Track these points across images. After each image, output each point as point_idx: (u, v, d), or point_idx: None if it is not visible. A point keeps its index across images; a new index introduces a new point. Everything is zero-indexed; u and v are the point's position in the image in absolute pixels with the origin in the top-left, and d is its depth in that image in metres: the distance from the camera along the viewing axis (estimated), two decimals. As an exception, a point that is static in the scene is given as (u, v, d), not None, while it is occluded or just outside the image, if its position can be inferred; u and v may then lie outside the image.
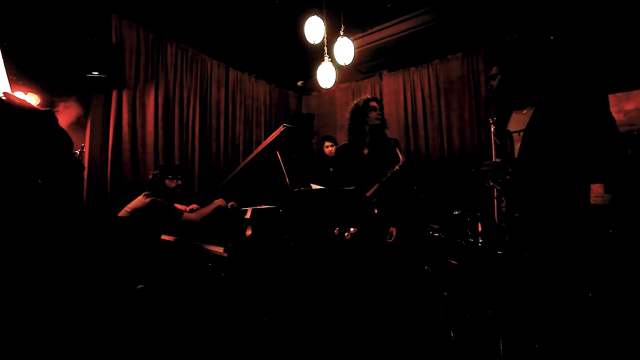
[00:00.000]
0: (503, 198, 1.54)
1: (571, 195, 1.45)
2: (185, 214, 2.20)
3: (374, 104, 2.34)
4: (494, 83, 1.68)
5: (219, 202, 2.29)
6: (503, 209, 1.55)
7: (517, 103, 1.65)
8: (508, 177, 1.49)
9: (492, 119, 1.60)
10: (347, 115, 2.42)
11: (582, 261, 1.44)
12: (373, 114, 2.32)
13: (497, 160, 1.55)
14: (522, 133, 1.57)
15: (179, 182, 2.40)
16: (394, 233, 2.16)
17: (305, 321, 1.94)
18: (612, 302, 1.57)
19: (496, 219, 1.57)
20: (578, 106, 1.51)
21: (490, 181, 1.55)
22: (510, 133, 1.60)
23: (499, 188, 1.53)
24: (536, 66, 1.64)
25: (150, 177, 2.34)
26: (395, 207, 2.20)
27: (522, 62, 1.65)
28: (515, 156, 1.56)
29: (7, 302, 1.03)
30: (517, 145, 1.58)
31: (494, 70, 1.69)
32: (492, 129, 1.58)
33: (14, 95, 1.15)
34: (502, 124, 1.64)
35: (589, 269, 1.49)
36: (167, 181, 2.33)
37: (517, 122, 1.61)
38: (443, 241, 2.17)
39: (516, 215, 1.51)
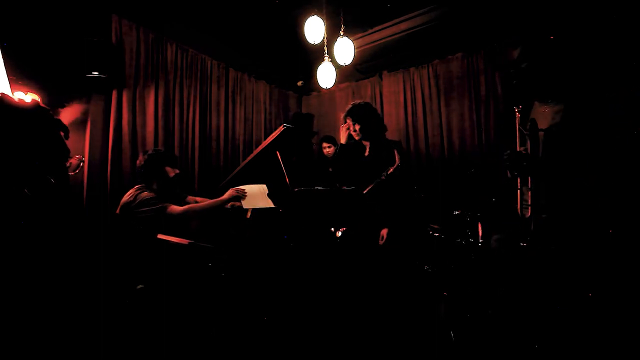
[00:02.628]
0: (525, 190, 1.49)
1: (598, 196, 1.40)
2: (170, 207, 2.03)
3: (349, 120, 2.27)
4: (522, 66, 1.56)
5: (223, 199, 2.14)
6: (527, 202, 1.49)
7: (545, 95, 1.56)
8: (525, 165, 1.44)
9: (518, 108, 1.53)
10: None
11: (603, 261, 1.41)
12: (342, 130, 2.30)
13: (521, 149, 1.49)
14: (545, 130, 1.49)
15: (177, 171, 2.23)
16: (385, 235, 2.13)
17: (305, 321, 1.94)
18: (615, 303, 1.57)
19: (519, 211, 1.52)
20: (611, 107, 1.46)
21: (509, 172, 1.51)
22: (535, 123, 1.52)
23: (519, 179, 1.48)
24: (568, 59, 1.54)
25: (141, 160, 2.14)
26: (391, 208, 2.19)
27: (555, 51, 1.55)
28: (540, 152, 1.50)
29: (7, 303, 1.03)
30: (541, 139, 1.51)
31: (515, 54, 1.59)
32: (517, 117, 1.52)
33: (9, 96, 1.14)
34: (526, 115, 1.57)
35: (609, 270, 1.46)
36: (168, 168, 2.17)
37: (543, 115, 1.53)
38: (443, 241, 2.17)
39: (543, 216, 1.46)
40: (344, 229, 2.06)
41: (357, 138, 2.27)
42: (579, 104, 1.47)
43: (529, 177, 1.50)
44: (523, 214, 1.51)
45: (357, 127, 2.25)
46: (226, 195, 2.14)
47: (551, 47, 1.55)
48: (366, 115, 2.27)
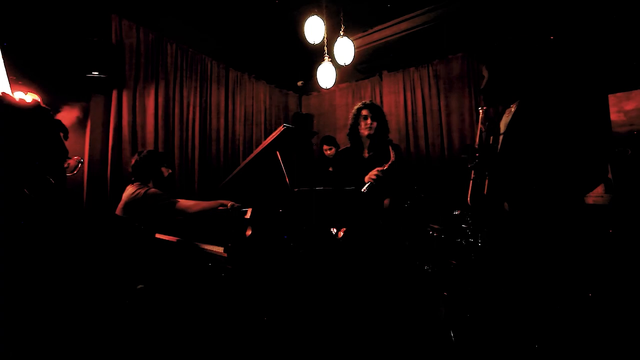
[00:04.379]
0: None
1: (556, 194, 1.46)
2: (181, 201, 2.09)
3: (365, 112, 2.31)
4: (482, 83, 1.73)
5: (222, 201, 2.19)
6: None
7: (506, 102, 1.68)
8: (477, 161, 1.59)
9: (483, 108, 1.70)
10: (350, 120, 2.41)
11: (569, 259, 1.45)
12: (364, 124, 2.30)
13: (475, 145, 1.64)
14: (503, 133, 1.62)
15: (170, 171, 2.36)
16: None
17: (305, 321, 1.94)
18: (611, 302, 1.57)
19: (468, 201, 1.68)
20: (565, 104, 1.54)
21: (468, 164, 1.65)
22: (497, 124, 1.66)
23: (473, 171, 1.63)
24: (523, 65, 1.67)
25: (137, 159, 2.19)
26: (399, 207, 2.22)
27: (508, 60, 1.68)
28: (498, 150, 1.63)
29: (7, 302, 1.03)
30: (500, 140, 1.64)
31: (483, 70, 1.74)
32: (480, 117, 1.68)
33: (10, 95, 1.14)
34: (494, 119, 1.70)
35: (580, 268, 1.50)
36: (163, 168, 2.26)
37: (504, 122, 1.66)
38: (443, 241, 2.17)
39: (505, 207, 1.55)
40: (345, 229, 2.07)
41: (367, 132, 2.30)
42: (526, 108, 1.58)
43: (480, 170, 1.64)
44: (471, 203, 1.67)
45: (375, 124, 2.30)
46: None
47: (505, 62, 1.70)
48: (382, 116, 2.34)
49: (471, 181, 1.66)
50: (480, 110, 1.72)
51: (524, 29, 2.95)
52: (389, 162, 2.12)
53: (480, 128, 1.67)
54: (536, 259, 1.43)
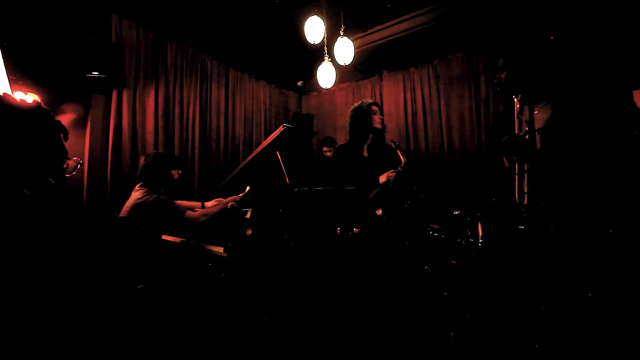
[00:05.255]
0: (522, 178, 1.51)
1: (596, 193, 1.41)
2: (188, 213, 2.11)
3: (375, 107, 2.37)
4: (502, 75, 1.62)
5: (226, 202, 2.19)
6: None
7: (530, 97, 1.58)
8: (523, 149, 1.46)
9: (517, 97, 1.55)
10: (349, 117, 2.42)
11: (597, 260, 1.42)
12: (376, 118, 2.34)
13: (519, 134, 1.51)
14: (539, 130, 1.51)
15: (180, 171, 2.33)
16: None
17: (305, 321, 1.94)
18: (611, 302, 1.57)
19: (517, 197, 1.53)
20: (601, 102, 1.46)
21: (507, 159, 1.53)
22: (533, 112, 1.54)
23: (517, 166, 1.50)
24: (549, 60, 1.56)
25: (146, 162, 2.15)
26: (399, 207, 2.23)
27: (533, 54, 1.59)
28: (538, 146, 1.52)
29: (7, 302, 1.03)
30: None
31: (500, 62, 1.63)
32: (516, 107, 1.55)
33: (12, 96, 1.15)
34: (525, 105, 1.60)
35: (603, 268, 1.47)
36: (172, 171, 2.24)
37: (538, 117, 1.56)
38: (443, 241, 2.17)
39: (542, 203, 1.47)
40: (357, 230, 2.09)
41: (380, 126, 2.37)
42: (566, 105, 1.49)
43: (526, 165, 1.51)
44: (521, 201, 1.52)
45: (382, 119, 2.40)
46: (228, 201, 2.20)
47: (528, 55, 1.59)
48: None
49: (517, 176, 1.53)
50: (516, 100, 1.57)
51: (524, 28, 2.95)
52: (402, 165, 2.21)
53: (519, 117, 1.54)
54: (549, 258, 1.41)
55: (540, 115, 1.55)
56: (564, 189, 1.44)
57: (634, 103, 1.48)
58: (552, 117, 1.50)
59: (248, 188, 2.24)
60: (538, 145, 1.52)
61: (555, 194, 1.46)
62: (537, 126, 1.53)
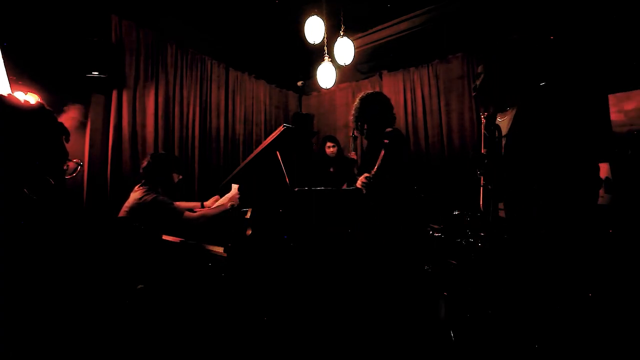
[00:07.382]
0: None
1: (562, 195, 1.46)
2: (187, 214, 2.12)
3: (356, 103, 2.35)
4: (478, 82, 1.69)
5: (224, 204, 2.21)
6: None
7: (500, 104, 1.66)
8: (488, 168, 1.55)
9: (484, 114, 1.64)
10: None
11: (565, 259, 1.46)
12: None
13: (483, 152, 1.60)
14: (505, 136, 1.60)
15: (181, 177, 2.34)
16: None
17: (305, 321, 1.94)
18: (611, 302, 1.57)
19: (481, 207, 1.65)
20: (566, 106, 1.53)
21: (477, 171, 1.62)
22: (498, 127, 1.63)
23: (483, 178, 1.59)
24: (522, 65, 1.65)
25: (149, 161, 2.17)
26: (389, 203, 2.21)
27: (505, 61, 1.66)
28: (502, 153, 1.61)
29: (7, 302, 1.03)
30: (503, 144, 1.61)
31: (479, 69, 1.71)
32: (483, 123, 1.63)
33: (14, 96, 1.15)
34: (492, 120, 1.67)
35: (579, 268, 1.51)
36: (174, 174, 2.26)
37: (501, 124, 1.64)
38: (443, 241, 2.17)
39: (501, 214, 1.56)
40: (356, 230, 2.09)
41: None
42: (526, 111, 1.57)
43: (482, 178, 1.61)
44: (485, 209, 1.62)
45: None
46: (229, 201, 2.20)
47: (503, 62, 1.67)
48: None
49: (481, 188, 1.63)
50: (482, 117, 1.68)
51: (524, 28, 2.95)
52: (374, 169, 2.15)
53: (485, 134, 1.63)
54: (536, 259, 1.44)
55: (505, 124, 1.64)
56: (516, 194, 1.52)
57: (605, 108, 1.57)
58: (513, 123, 1.58)
59: (236, 187, 2.23)
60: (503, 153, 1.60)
61: (508, 201, 1.56)
62: (503, 133, 1.61)
